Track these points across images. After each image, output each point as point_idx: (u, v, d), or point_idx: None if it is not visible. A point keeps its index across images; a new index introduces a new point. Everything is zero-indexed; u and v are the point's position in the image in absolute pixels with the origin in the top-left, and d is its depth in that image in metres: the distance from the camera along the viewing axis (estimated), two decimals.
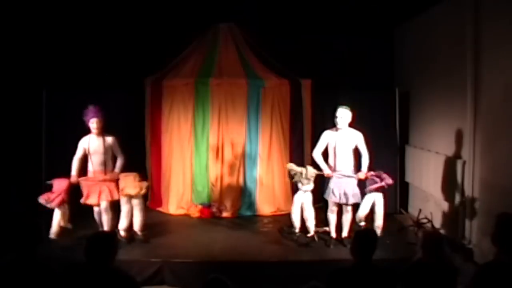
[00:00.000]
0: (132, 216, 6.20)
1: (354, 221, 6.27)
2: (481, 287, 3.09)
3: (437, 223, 6.80)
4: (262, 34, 8.19)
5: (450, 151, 6.59)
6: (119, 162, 6.21)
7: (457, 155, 6.35)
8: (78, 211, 6.39)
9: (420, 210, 7.29)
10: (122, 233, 6.16)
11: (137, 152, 7.99)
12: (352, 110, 6.13)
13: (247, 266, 5.56)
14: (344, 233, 6.24)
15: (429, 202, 7.24)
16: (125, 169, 6.28)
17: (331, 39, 8.48)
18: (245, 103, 7.82)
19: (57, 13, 7.55)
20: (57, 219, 6.17)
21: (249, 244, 6.32)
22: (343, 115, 6.03)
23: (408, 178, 7.97)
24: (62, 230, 6.22)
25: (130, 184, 6.13)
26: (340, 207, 6.24)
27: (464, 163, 6.11)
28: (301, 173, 6.19)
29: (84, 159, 6.19)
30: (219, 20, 8.19)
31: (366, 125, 8.16)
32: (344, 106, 6.08)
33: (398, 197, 7.90)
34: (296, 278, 5.13)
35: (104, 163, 6.12)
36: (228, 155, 7.80)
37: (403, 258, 5.30)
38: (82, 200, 6.13)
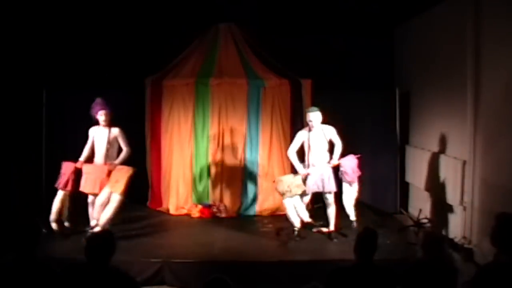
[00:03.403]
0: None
1: (339, 214, 6.46)
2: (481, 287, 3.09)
3: (437, 223, 6.81)
4: (262, 34, 8.19)
5: (450, 151, 6.59)
6: (122, 154, 6.31)
7: (457, 155, 6.34)
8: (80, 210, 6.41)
9: (420, 210, 7.29)
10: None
11: (137, 152, 7.98)
12: (323, 110, 6.47)
13: (247, 266, 5.56)
14: (331, 227, 6.39)
15: (430, 202, 7.24)
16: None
17: (331, 39, 8.48)
18: (245, 103, 7.81)
19: (57, 13, 7.55)
20: (57, 203, 6.11)
21: (249, 244, 6.32)
22: (315, 117, 6.35)
23: (408, 178, 7.97)
24: (60, 223, 6.17)
25: (121, 179, 6.07)
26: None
27: (464, 163, 6.11)
28: (289, 190, 6.30)
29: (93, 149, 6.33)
30: (219, 20, 8.19)
31: (366, 125, 8.21)
32: (314, 109, 6.43)
33: (398, 197, 7.90)
34: (296, 278, 5.13)
35: (107, 154, 6.21)
36: (228, 155, 7.79)
37: (403, 258, 5.30)
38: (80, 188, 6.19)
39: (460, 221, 6.19)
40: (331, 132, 6.44)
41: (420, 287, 3.45)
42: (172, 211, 7.79)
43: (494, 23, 5.57)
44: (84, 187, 6.17)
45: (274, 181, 6.57)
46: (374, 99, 7.99)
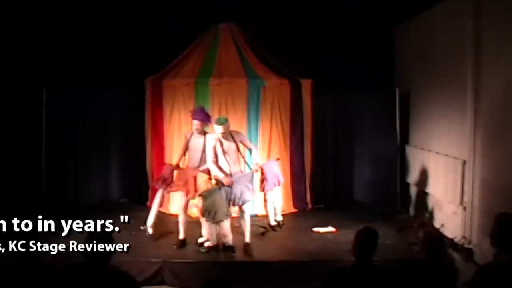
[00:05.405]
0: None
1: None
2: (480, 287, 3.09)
3: (437, 223, 6.81)
4: (262, 34, 8.19)
5: (450, 151, 6.59)
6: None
7: (457, 155, 6.34)
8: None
9: (420, 211, 7.29)
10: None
11: (137, 152, 8.00)
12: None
13: (247, 266, 5.56)
14: (246, 239, 6.03)
15: (430, 202, 7.24)
16: None
17: (331, 39, 8.48)
18: (245, 103, 7.80)
19: (57, 12, 7.56)
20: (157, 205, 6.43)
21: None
22: (225, 130, 5.94)
23: (408, 178, 7.97)
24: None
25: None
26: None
27: (464, 163, 6.11)
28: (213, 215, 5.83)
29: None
30: (219, 20, 8.19)
31: (366, 125, 8.21)
32: (221, 122, 5.94)
33: (398, 197, 7.91)
34: (296, 278, 5.14)
35: (201, 160, 6.17)
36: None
37: (403, 258, 5.30)
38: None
39: (460, 221, 6.19)
40: (240, 137, 6.26)
41: (420, 287, 3.45)
42: (172, 211, 7.78)
43: (494, 22, 5.57)
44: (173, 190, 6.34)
45: (202, 195, 5.95)
46: (374, 99, 7.99)
